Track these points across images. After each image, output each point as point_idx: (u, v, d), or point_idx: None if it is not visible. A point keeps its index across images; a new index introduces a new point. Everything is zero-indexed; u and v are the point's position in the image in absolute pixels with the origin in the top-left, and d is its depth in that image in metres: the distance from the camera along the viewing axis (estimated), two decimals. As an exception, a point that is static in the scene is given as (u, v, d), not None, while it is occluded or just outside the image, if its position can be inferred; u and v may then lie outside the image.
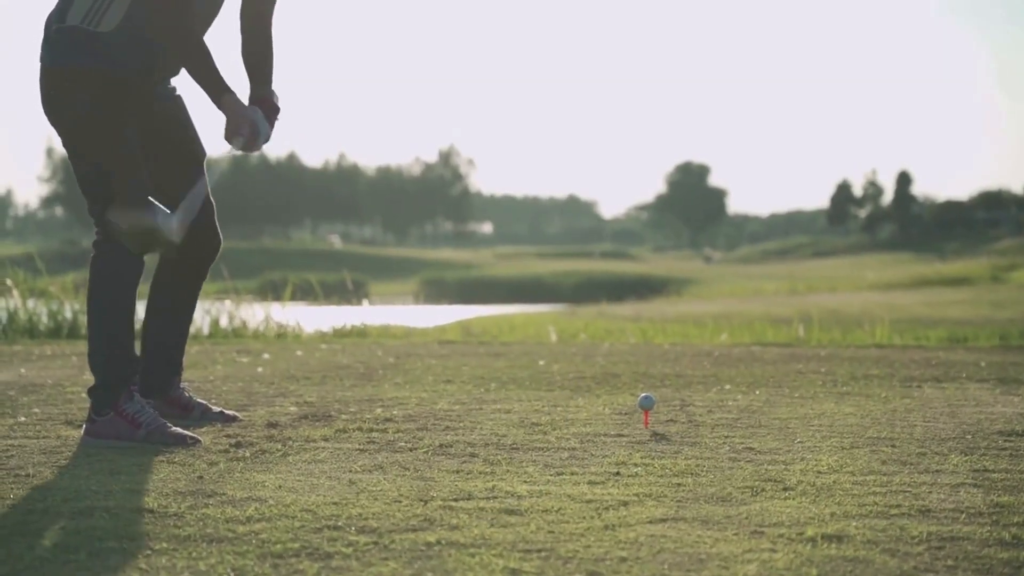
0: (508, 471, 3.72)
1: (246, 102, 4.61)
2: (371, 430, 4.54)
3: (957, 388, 6.12)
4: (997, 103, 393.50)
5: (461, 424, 4.72)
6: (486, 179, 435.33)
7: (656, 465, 3.82)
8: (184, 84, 4.66)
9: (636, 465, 3.81)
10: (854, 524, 2.98)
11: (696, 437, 4.42)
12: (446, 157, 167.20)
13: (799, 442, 4.29)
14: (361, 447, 4.16)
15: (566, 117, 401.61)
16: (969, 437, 4.41)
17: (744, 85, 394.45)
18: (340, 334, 12.11)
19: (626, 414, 5.04)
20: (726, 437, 4.41)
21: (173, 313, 4.84)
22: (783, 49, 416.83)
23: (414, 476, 3.63)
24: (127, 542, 2.80)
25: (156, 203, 4.10)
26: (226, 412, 4.83)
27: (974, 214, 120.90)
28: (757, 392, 5.87)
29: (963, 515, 3.09)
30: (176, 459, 3.92)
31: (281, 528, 2.92)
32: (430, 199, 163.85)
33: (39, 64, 4.35)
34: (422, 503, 3.22)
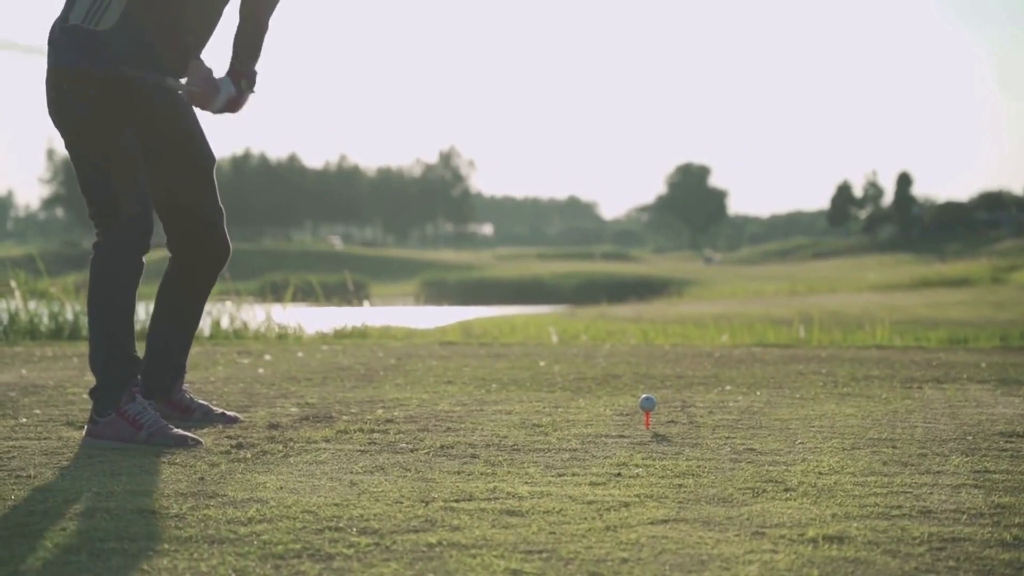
0: (509, 472, 3.72)
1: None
2: (372, 431, 4.54)
3: (958, 389, 6.12)
4: (997, 104, 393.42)
5: (462, 425, 4.72)
6: (487, 180, 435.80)
7: (657, 466, 3.82)
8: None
9: (637, 466, 3.81)
10: (855, 525, 2.98)
11: (697, 438, 4.42)
12: (447, 158, 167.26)
13: (800, 443, 4.29)
14: (362, 448, 4.16)
15: (566, 118, 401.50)
16: (970, 438, 4.41)
17: (744, 86, 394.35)
18: (341, 335, 12.11)
19: (627, 415, 5.04)
20: (727, 438, 4.41)
21: (179, 317, 4.84)
22: (783, 50, 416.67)
23: (415, 477, 3.63)
24: (128, 543, 2.79)
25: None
26: (227, 413, 4.83)
27: (974, 215, 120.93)
28: (758, 393, 5.87)
29: (964, 516, 3.09)
30: (177, 460, 3.92)
31: (282, 529, 2.92)
32: (431, 200, 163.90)
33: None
34: (423, 504, 3.22)
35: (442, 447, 4.18)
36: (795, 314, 18.02)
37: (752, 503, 3.25)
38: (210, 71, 4.52)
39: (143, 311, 10.26)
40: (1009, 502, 3.26)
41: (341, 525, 2.97)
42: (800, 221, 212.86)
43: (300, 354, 8.45)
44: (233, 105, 4.62)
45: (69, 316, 11.52)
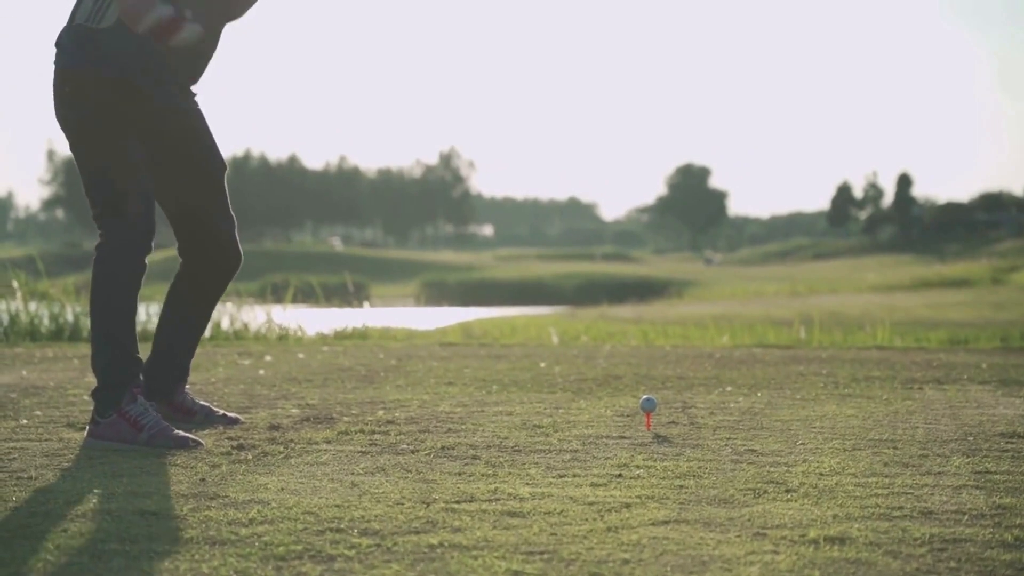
0: (510, 473, 3.72)
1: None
2: (373, 432, 4.54)
3: (958, 390, 6.12)
4: (998, 104, 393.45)
5: (463, 426, 4.72)
6: (487, 181, 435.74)
7: (658, 467, 3.81)
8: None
9: (638, 467, 3.81)
10: (856, 526, 2.98)
11: (698, 439, 4.42)
12: (447, 159, 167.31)
13: (801, 444, 4.29)
14: (363, 449, 4.16)
15: (566, 119, 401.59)
16: (971, 439, 4.41)
17: (745, 87, 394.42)
18: (341, 336, 12.11)
19: (628, 416, 5.04)
20: (728, 439, 4.41)
21: (187, 323, 4.84)
22: (784, 51, 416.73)
23: (416, 478, 3.63)
24: (130, 545, 2.79)
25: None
26: (228, 415, 4.83)
27: (974, 216, 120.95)
28: (759, 394, 5.87)
29: (965, 517, 3.09)
30: (178, 461, 3.92)
31: (283, 530, 2.92)
32: (431, 201, 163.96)
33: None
34: (424, 505, 3.22)
35: (443, 448, 4.18)
36: (795, 315, 18.02)
37: (753, 504, 3.25)
38: None
39: (145, 311, 10.30)
40: (1010, 503, 3.26)
41: (342, 526, 2.97)
42: (800, 222, 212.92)
43: (301, 355, 8.45)
44: (165, 31, 4.03)
45: (69, 317, 11.52)
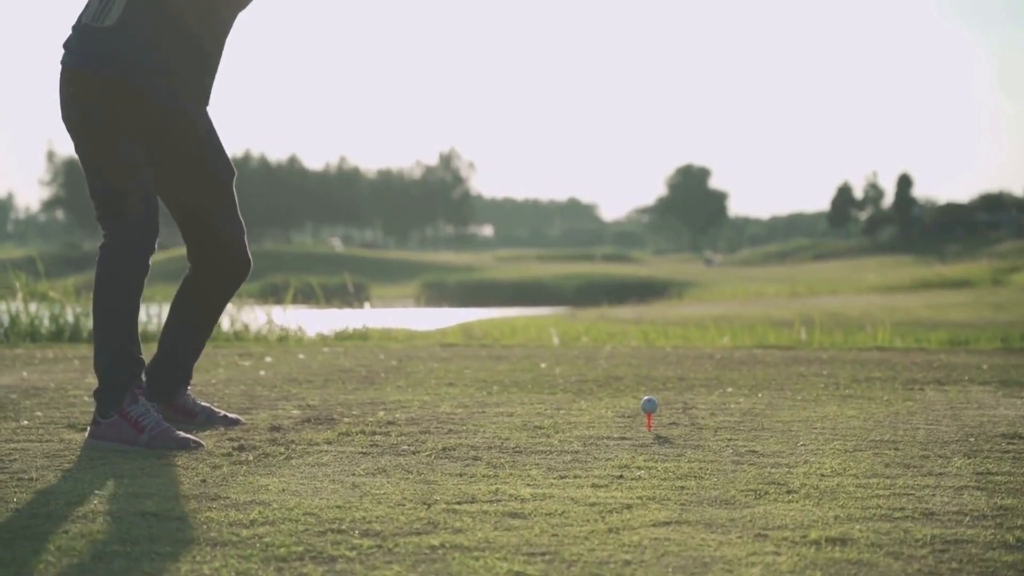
0: (511, 474, 3.71)
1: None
2: (374, 433, 4.54)
3: (959, 391, 6.12)
4: (998, 105, 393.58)
5: (464, 427, 4.72)
6: (487, 182, 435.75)
7: (659, 468, 3.81)
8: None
9: (639, 468, 3.81)
10: (858, 527, 2.98)
11: (699, 440, 4.41)
12: (447, 160, 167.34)
13: (802, 445, 4.29)
14: (364, 450, 4.16)
15: (567, 120, 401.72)
16: (972, 440, 4.41)
17: (745, 87, 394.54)
18: (342, 337, 12.11)
19: (629, 417, 5.04)
20: (729, 440, 4.40)
21: (192, 326, 4.84)
22: (784, 51, 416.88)
23: (417, 479, 3.63)
24: (131, 546, 2.79)
25: None
26: (229, 416, 4.83)
27: (975, 216, 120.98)
28: (760, 395, 5.87)
29: (967, 518, 3.09)
30: (179, 462, 3.92)
31: (285, 532, 2.92)
32: (431, 202, 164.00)
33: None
34: (425, 506, 3.22)
35: (444, 449, 4.18)
36: (796, 316, 18.01)
37: (754, 505, 3.25)
38: None
39: (145, 312, 10.28)
40: (1012, 504, 3.26)
41: (343, 527, 2.97)
42: (800, 223, 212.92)
43: (301, 356, 8.45)
44: None
45: (70, 318, 11.52)
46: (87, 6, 4.38)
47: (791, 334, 13.41)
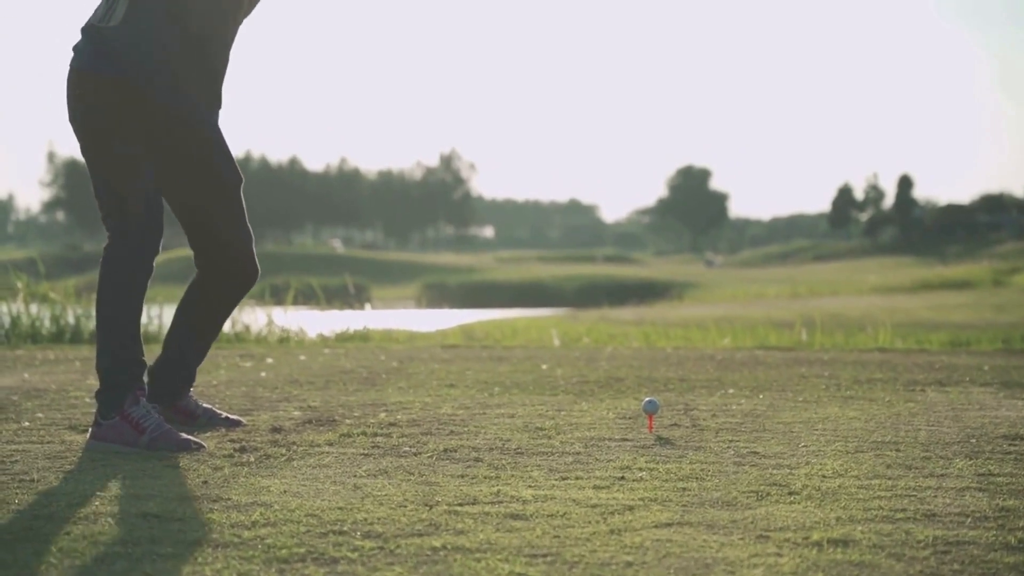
0: (513, 475, 3.71)
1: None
2: (375, 435, 4.54)
3: (961, 392, 6.11)
4: (998, 106, 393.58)
5: (465, 428, 4.72)
6: (487, 183, 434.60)
7: (661, 469, 3.81)
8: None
9: (641, 469, 3.81)
10: (860, 528, 2.98)
11: (700, 441, 4.41)
12: (447, 161, 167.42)
13: (804, 446, 4.29)
14: (365, 452, 4.16)
15: (567, 121, 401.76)
16: (973, 441, 4.41)
17: (745, 89, 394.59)
18: (343, 338, 12.11)
19: (630, 418, 5.04)
20: (730, 441, 4.40)
21: (198, 331, 4.83)
22: (784, 52, 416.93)
23: (419, 481, 3.63)
24: (132, 547, 2.79)
25: None
26: (231, 417, 4.83)
27: (975, 217, 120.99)
28: (761, 396, 5.87)
29: (968, 519, 3.09)
30: (180, 464, 3.92)
31: (286, 533, 2.92)
32: (431, 203, 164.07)
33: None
34: (427, 508, 3.22)
35: (445, 451, 4.18)
36: (797, 317, 18.01)
37: (756, 506, 3.25)
38: None
39: (146, 313, 10.26)
40: (1013, 505, 3.26)
41: (345, 529, 2.97)
42: (801, 224, 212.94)
43: (302, 357, 8.45)
44: None
45: (71, 319, 11.52)
46: (96, 9, 4.39)
47: (792, 335, 13.42)
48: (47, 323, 11.46)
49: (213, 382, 6.51)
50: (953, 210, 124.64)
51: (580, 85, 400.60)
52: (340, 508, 3.20)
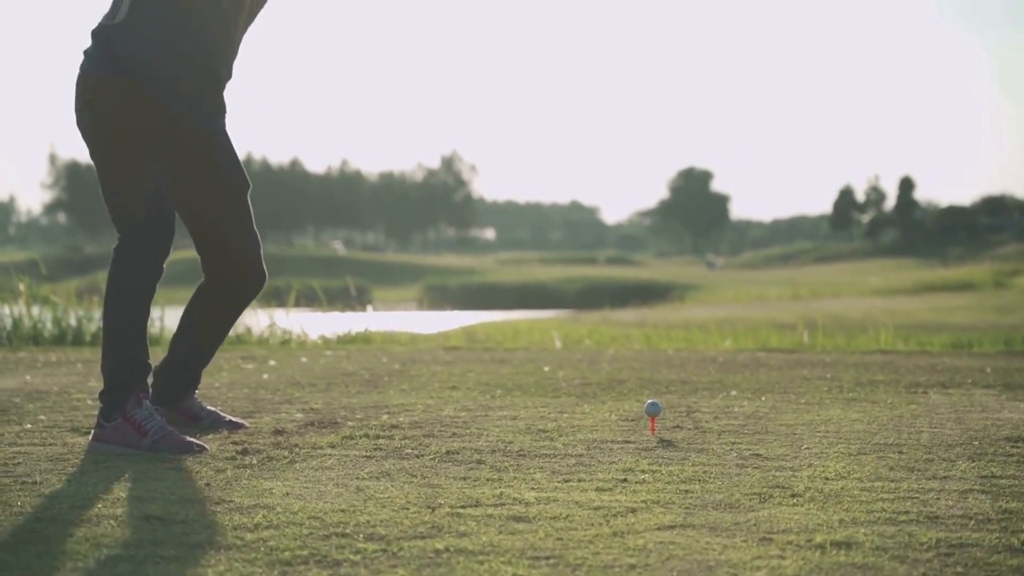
0: (515, 478, 3.71)
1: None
2: (378, 437, 4.54)
3: (963, 394, 6.11)
4: (1000, 108, 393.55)
5: (468, 431, 4.72)
6: (489, 185, 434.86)
7: (663, 472, 3.81)
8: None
9: (643, 472, 3.81)
10: (863, 531, 2.97)
11: (703, 443, 4.41)
12: (449, 163, 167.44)
13: (806, 448, 4.29)
14: (368, 454, 4.16)
15: (569, 123, 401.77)
16: (976, 443, 4.41)
17: (747, 90, 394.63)
18: (344, 340, 12.11)
19: (633, 420, 5.04)
20: (733, 443, 4.40)
21: (205, 335, 4.83)
22: (786, 54, 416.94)
23: (421, 483, 3.63)
24: (135, 550, 2.79)
25: None
26: (233, 420, 4.83)
27: (977, 219, 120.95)
28: (763, 398, 5.86)
29: (972, 521, 3.09)
30: (183, 466, 3.92)
31: (289, 535, 2.92)
32: (433, 205, 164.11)
33: None
34: (430, 510, 3.22)
35: (448, 453, 4.18)
36: (798, 319, 18.01)
37: (759, 509, 3.25)
38: None
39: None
40: (1016, 507, 3.26)
41: (348, 531, 2.97)
42: (802, 225, 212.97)
43: (304, 359, 8.45)
44: None
45: (72, 322, 11.52)
46: (110, 6, 4.40)
47: (794, 337, 13.42)
48: (49, 325, 11.45)
49: (215, 384, 6.51)
50: (954, 212, 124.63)
51: (581, 87, 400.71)
52: (343, 510, 3.20)
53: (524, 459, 4.06)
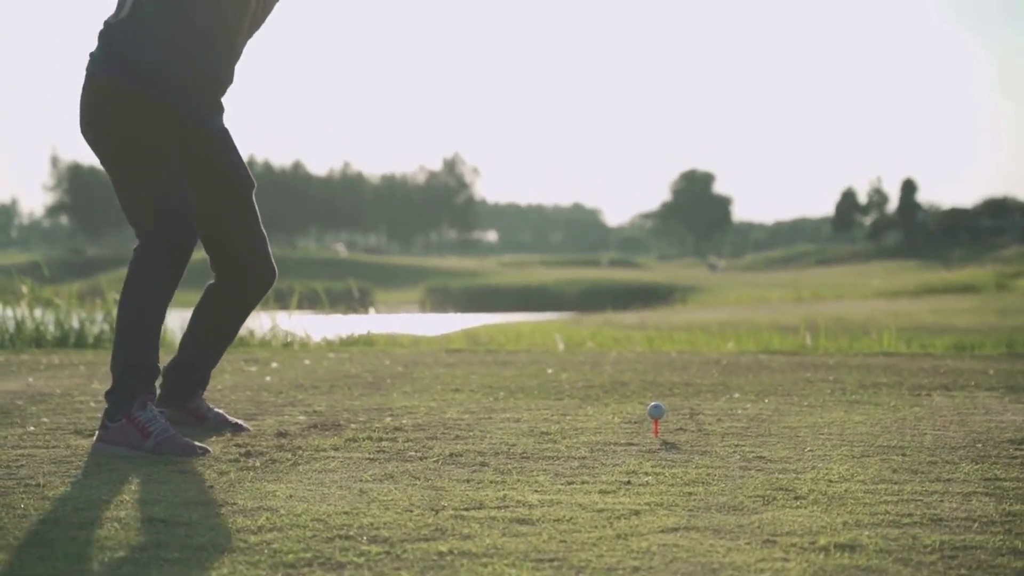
0: (519, 480, 3.71)
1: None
2: (381, 439, 4.54)
3: (966, 396, 6.11)
4: (1002, 110, 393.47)
5: (471, 433, 4.72)
6: (491, 187, 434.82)
7: (667, 474, 3.81)
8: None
9: (647, 474, 3.81)
10: (866, 533, 2.97)
11: (706, 446, 4.41)
12: (451, 165, 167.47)
13: (809, 451, 4.29)
14: (371, 456, 4.16)
15: (571, 125, 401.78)
16: (979, 446, 4.40)
17: (749, 92, 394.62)
18: (347, 343, 12.11)
19: (636, 423, 5.03)
20: (736, 446, 4.40)
21: (214, 336, 4.83)
22: (787, 56, 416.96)
23: (425, 485, 3.63)
24: (139, 552, 2.79)
25: None
26: (237, 422, 4.83)
27: (979, 221, 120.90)
28: (766, 400, 5.86)
29: (975, 524, 3.09)
30: (186, 469, 3.92)
31: (292, 538, 2.92)
32: (435, 207, 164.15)
33: None
34: (433, 512, 3.22)
35: (451, 455, 4.17)
36: (801, 321, 18.02)
37: (763, 511, 3.25)
38: None
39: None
40: (1020, 510, 3.25)
41: (351, 533, 2.97)
42: (804, 228, 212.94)
43: (307, 362, 8.45)
44: None
45: (75, 324, 11.52)
46: (116, 5, 4.40)
47: (796, 339, 13.42)
48: (51, 327, 11.46)
49: (218, 386, 6.51)
50: (957, 214, 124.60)
51: (583, 89, 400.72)
52: (346, 513, 3.20)
53: (527, 461, 4.06)
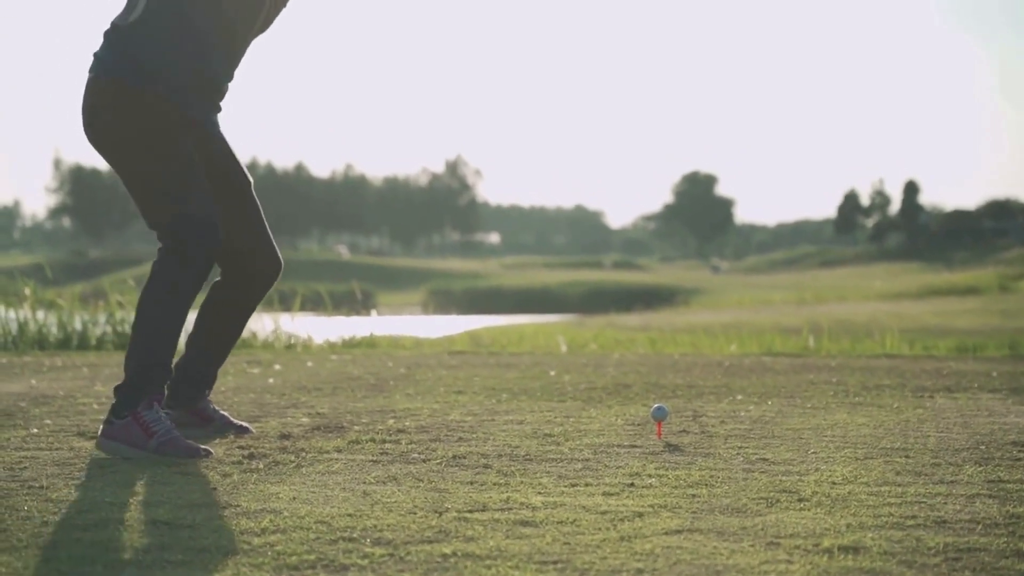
0: (522, 482, 3.71)
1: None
2: (384, 441, 4.54)
3: (969, 398, 6.11)
4: (1003, 112, 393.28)
5: (474, 435, 4.72)
6: (493, 189, 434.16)
7: (670, 476, 3.81)
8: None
9: (650, 476, 3.81)
10: (870, 535, 2.97)
11: (710, 448, 4.41)
12: (453, 167, 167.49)
13: (813, 453, 4.28)
14: (374, 458, 4.16)
15: (573, 127, 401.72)
16: (983, 447, 4.40)
17: (751, 94, 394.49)
18: (350, 345, 12.12)
19: (639, 425, 5.03)
20: (740, 448, 4.40)
21: (221, 334, 4.83)
22: (790, 58, 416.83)
23: (428, 487, 3.63)
24: (142, 554, 2.79)
25: None
26: (241, 424, 4.83)
27: (982, 223, 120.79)
28: (769, 402, 5.86)
29: (979, 526, 3.09)
30: (189, 471, 3.92)
31: (296, 540, 2.92)
32: (437, 209, 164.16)
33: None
34: (437, 514, 3.22)
35: (454, 457, 4.17)
36: (803, 323, 18.01)
37: (766, 513, 3.25)
38: None
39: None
40: (1024, 512, 3.25)
41: (355, 535, 2.97)
42: (807, 230, 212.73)
43: (309, 364, 8.46)
44: None
45: (78, 326, 11.53)
46: (123, 8, 4.40)
47: (799, 341, 13.40)
48: (54, 329, 11.47)
49: (221, 388, 6.51)
50: (959, 216, 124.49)
51: (586, 91, 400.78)
52: (349, 515, 3.20)
53: (531, 463, 4.06)
